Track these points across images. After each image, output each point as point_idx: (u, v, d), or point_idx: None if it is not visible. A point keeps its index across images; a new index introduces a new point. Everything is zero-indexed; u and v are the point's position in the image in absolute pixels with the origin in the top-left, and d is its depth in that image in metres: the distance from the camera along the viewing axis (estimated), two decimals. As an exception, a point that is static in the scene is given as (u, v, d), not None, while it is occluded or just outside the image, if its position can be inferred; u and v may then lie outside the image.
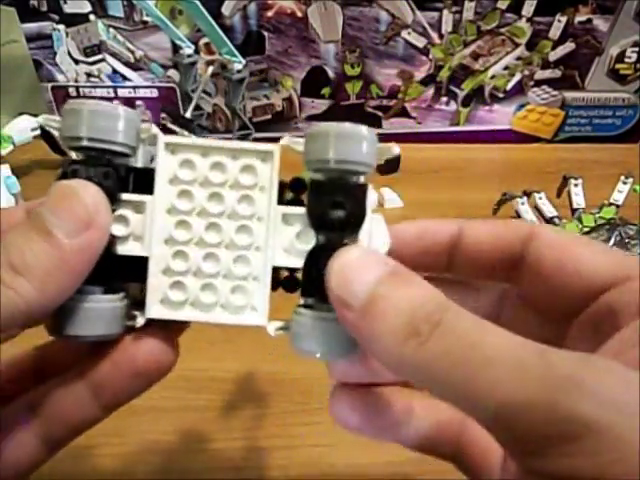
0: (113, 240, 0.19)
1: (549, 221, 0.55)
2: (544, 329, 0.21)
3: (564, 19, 0.74)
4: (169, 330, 0.20)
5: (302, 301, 0.20)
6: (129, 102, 0.78)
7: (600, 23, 0.74)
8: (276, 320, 0.20)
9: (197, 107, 0.62)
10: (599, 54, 0.77)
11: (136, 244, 0.19)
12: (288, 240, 0.19)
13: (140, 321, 0.19)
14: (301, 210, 0.19)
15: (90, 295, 0.18)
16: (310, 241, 0.19)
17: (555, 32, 0.75)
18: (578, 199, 0.55)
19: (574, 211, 0.55)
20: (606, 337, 0.17)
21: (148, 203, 0.19)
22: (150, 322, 0.19)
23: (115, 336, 0.19)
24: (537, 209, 0.56)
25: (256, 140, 0.65)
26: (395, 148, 0.20)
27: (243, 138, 0.63)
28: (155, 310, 0.19)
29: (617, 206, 0.54)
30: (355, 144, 0.19)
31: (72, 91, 0.77)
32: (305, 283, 0.19)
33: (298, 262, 0.19)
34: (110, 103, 0.19)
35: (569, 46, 0.76)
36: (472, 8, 0.74)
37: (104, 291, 0.19)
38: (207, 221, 0.19)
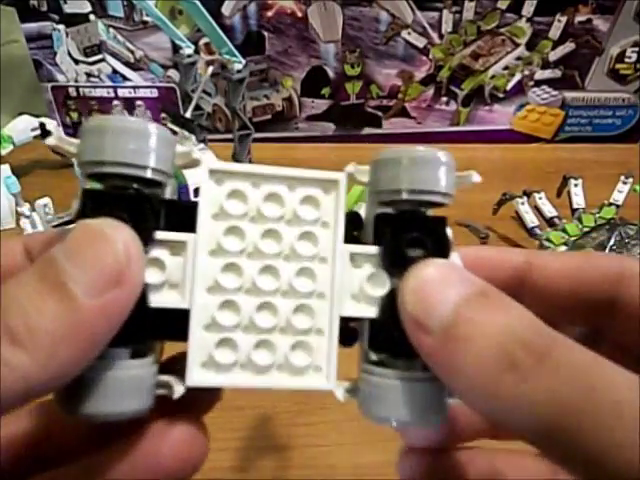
0: (144, 289, 0.15)
1: (549, 221, 0.55)
2: None
3: (564, 19, 0.74)
4: (199, 409, 0.17)
5: (372, 356, 0.17)
6: (129, 102, 0.78)
7: (600, 23, 0.74)
8: (341, 380, 0.17)
9: (197, 107, 0.62)
10: (599, 54, 0.77)
11: (173, 293, 0.15)
12: (358, 285, 0.16)
13: (179, 389, 0.15)
14: (373, 250, 0.16)
15: (114, 361, 0.15)
16: (383, 285, 0.16)
17: (555, 32, 0.75)
18: (578, 199, 0.55)
19: (574, 211, 0.55)
20: None
21: (189, 243, 0.15)
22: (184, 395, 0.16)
23: (144, 412, 0.15)
24: (537, 209, 0.56)
25: (256, 140, 0.65)
26: (475, 176, 0.17)
27: (243, 138, 0.63)
28: (198, 375, 0.16)
29: (617, 206, 0.54)
30: (432, 171, 0.16)
31: (72, 91, 0.77)
32: (377, 335, 0.16)
33: (370, 311, 0.16)
34: (139, 119, 0.16)
35: (569, 46, 0.76)
36: (472, 8, 0.74)
37: (131, 355, 0.15)
38: (261, 263, 0.16)
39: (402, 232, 0.16)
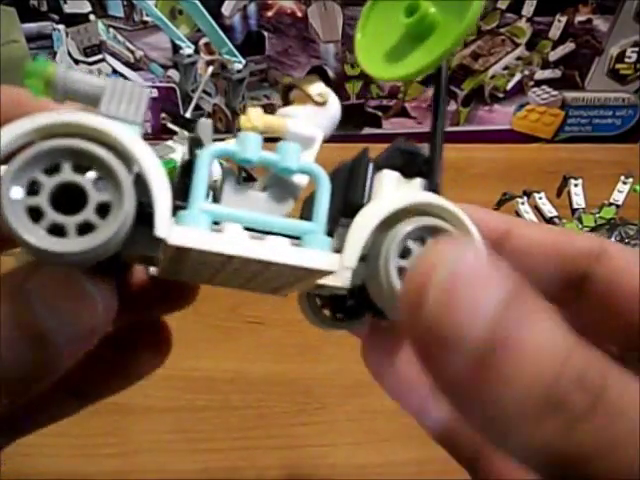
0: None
1: (549, 221, 0.55)
2: None
3: (564, 19, 0.74)
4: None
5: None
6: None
7: (600, 23, 0.74)
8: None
9: (197, 107, 0.62)
10: (599, 54, 0.77)
11: None
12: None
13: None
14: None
15: None
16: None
17: (555, 32, 0.75)
18: (578, 199, 0.55)
19: (574, 211, 0.55)
20: None
21: None
22: None
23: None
24: (537, 209, 0.56)
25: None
26: None
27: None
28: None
29: (617, 206, 0.54)
30: None
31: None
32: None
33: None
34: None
35: (569, 46, 0.76)
36: (472, 8, 0.73)
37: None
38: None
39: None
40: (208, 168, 0.16)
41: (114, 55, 0.76)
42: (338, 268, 0.16)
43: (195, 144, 0.18)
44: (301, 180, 0.19)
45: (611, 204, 0.54)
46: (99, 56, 0.76)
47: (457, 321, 0.11)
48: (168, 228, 0.15)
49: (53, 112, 0.14)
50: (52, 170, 0.14)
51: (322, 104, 0.21)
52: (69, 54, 0.75)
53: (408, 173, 0.19)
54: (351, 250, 0.16)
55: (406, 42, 0.19)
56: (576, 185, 0.56)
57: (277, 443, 0.38)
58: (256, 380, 0.42)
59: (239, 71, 0.60)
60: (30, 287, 0.14)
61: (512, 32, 0.75)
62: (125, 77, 0.77)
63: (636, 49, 0.76)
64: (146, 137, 0.15)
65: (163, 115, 0.78)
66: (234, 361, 0.44)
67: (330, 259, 0.16)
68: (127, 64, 0.76)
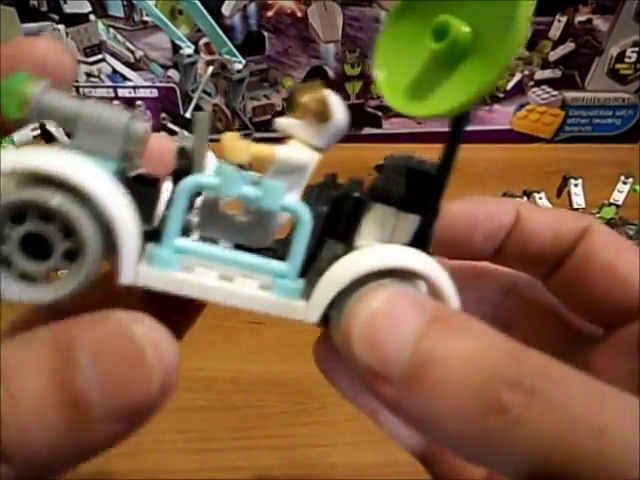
0: None
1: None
2: (555, 332, 0.19)
3: (564, 19, 0.74)
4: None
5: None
6: (129, 102, 0.78)
7: (600, 23, 0.74)
8: None
9: (197, 107, 0.62)
10: (599, 54, 0.77)
11: None
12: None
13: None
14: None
15: None
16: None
17: (555, 32, 0.75)
18: (578, 199, 0.55)
19: (574, 211, 0.55)
20: None
21: None
22: None
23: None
24: (537, 209, 0.56)
25: (256, 140, 0.65)
26: None
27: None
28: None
29: (617, 206, 0.54)
30: None
31: (72, 91, 0.77)
32: None
33: None
34: None
35: (569, 46, 0.76)
36: (472, 8, 0.73)
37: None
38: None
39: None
40: (185, 203, 0.16)
41: (114, 55, 0.76)
42: (301, 319, 0.16)
43: (178, 174, 0.17)
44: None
45: (611, 204, 0.54)
46: (99, 56, 0.76)
47: (381, 356, 0.12)
48: (134, 274, 0.15)
49: (13, 154, 0.14)
50: (19, 218, 0.14)
51: (325, 121, 0.19)
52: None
53: (407, 205, 0.18)
54: (316, 307, 0.16)
55: (436, 70, 0.15)
56: (576, 185, 0.56)
57: (277, 443, 0.38)
58: (256, 380, 0.42)
59: (239, 71, 0.60)
60: (80, 341, 0.11)
61: (512, 32, 0.75)
62: (125, 77, 0.77)
63: (636, 49, 0.76)
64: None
65: (163, 115, 0.78)
66: (234, 361, 0.44)
67: (295, 310, 0.16)
68: (127, 64, 0.76)
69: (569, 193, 0.56)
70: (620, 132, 0.82)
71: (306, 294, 0.17)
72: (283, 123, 0.19)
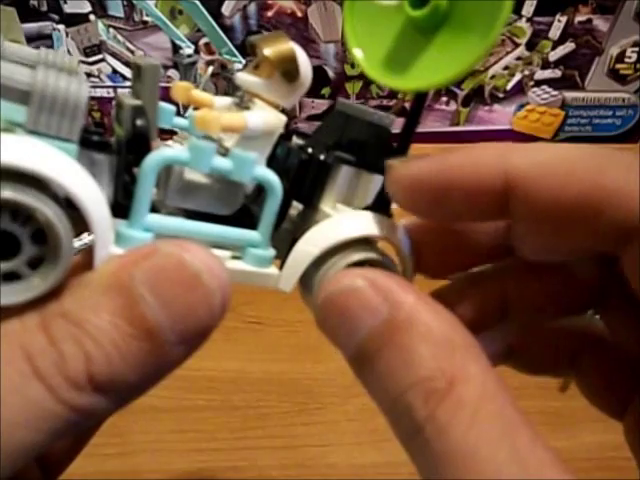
0: None
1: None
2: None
3: (564, 19, 0.74)
4: None
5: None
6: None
7: (600, 23, 0.74)
8: None
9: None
10: (599, 54, 0.77)
11: None
12: None
13: None
14: None
15: None
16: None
17: (555, 32, 0.75)
18: (578, 199, 0.55)
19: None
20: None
21: None
22: None
23: None
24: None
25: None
26: None
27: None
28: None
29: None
30: None
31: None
32: None
33: None
34: None
35: (569, 46, 0.76)
36: (472, 8, 0.73)
37: None
38: None
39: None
40: (153, 180, 0.15)
41: (114, 55, 0.76)
42: (274, 286, 0.17)
43: (137, 114, 0.16)
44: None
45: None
46: (99, 56, 0.76)
47: (337, 337, 0.15)
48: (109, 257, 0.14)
49: None
50: None
51: (292, 80, 0.18)
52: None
53: (371, 165, 0.18)
54: (289, 278, 0.17)
55: (414, 39, 0.15)
56: (576, 185, 0.56)
57: (277, 443, 0.38)
58: (256, 380, 0.42)
59: (239, 71, 0.60)
60: (138, 277, 0.12)
61: (512, 32, 0.75)
62: (125, 77, 0.77)
63: (636, 49, 0.76)
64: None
65: (163, 115, 0.77)
66: (234, 361, 0.44)
67: (268, 279, 0.16)
68: (127, 64, 0.76)
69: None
70: (620, 132, 0.82)
71: (276, 256, 0.17)
72: (247, 81, 0.18)
